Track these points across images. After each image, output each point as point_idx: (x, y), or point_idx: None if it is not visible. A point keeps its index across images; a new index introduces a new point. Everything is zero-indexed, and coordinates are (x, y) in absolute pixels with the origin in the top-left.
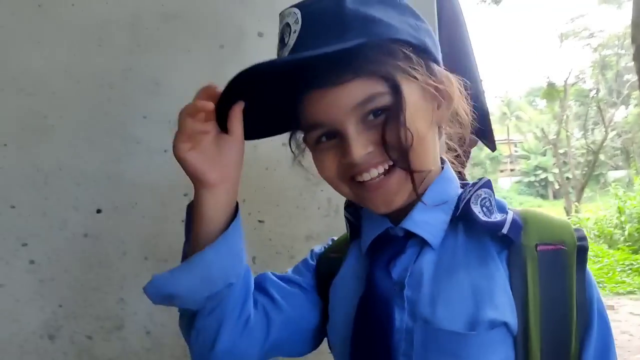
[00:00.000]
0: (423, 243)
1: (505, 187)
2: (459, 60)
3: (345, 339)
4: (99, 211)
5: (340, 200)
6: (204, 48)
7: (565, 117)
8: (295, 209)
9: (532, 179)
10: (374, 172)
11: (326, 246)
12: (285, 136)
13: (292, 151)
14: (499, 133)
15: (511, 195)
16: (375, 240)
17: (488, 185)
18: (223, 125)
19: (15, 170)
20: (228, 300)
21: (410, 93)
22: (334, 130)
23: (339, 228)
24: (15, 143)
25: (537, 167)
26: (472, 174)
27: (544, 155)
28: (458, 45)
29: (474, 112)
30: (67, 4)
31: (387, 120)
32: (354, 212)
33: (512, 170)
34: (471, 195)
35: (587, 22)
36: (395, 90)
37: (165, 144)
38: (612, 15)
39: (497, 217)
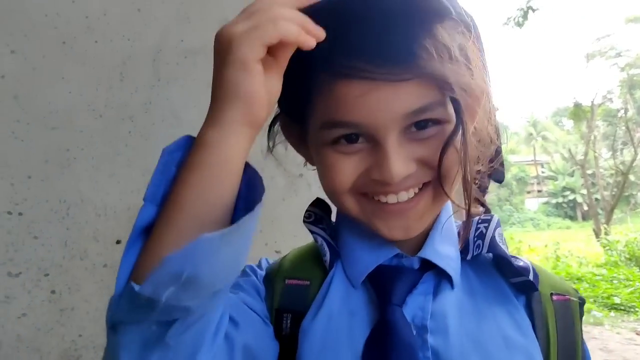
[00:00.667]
0: (440, 279)
1: (532, 208)
2: None
3: None
4: (118, 242)
5: None
6: None
7: (592, 137)
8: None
9: (560, 200)
10: (404, 196)
11: (274, 266)
12: (301, 169)
13: (268, 141)
14: (525, 154)
15: (539, 217)
16: (378, 270)
17: (499, 224)
18: None
19: (39, 202)
20: (215, 309)
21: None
22: (368, 135)
23: None
24: (39, 175)
25: (565, 188)
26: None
27: (572, 176)
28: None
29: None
30: (90, 41)
31: (450, 137)
32: (327, 229)
33: (539, 191)
34: (494, 233)
35: (613, 41)
36: (458, 104)
37: None
38: (639, 34)
39: (519, 261)
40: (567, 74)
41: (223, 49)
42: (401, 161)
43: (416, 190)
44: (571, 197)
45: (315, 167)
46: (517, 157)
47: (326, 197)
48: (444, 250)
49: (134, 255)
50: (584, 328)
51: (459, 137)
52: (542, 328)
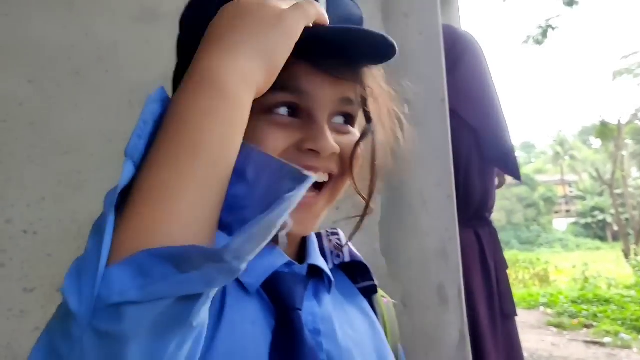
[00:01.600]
0: (319, 285)
1: (561, 228)
2: (481, 97)
3: None
4: None
5: (355, 247)
6: None
7: (620, 156)
8: None
9: (589, 220)
10: (322, 177)
11: None
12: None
13: None
14: (552, 173)
15: (568, 238)
16: (272, 277)
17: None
18: None
19: (53, 221)
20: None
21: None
22: (305, 108)
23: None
24: (53, 197)
25: (594, 208)
26: (525, 215)
27: (601, 196)
28: (480, 82)
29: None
30: (101, 70)
31: (364, 134)
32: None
33: (567, 211)
34: (347, 243)
35: None
36: (370, 120)
37: None
38: None
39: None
40: (593, 91)
41: (267, 18)
42: (331, 138)
43: (326, 178)
44: (600, 217)
45: None
46: (544, 176)
47: None
48: (319, 258)
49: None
50: (611, 351)
51: (369, 142)
52: (382, 323)
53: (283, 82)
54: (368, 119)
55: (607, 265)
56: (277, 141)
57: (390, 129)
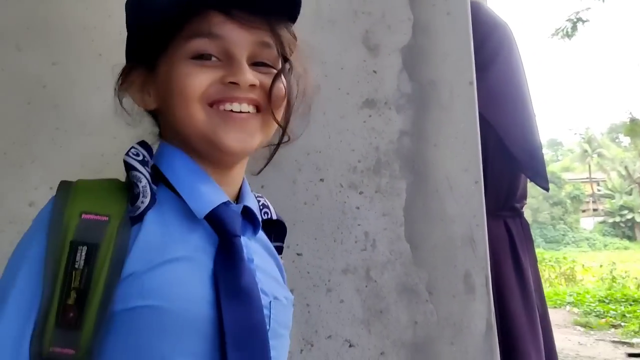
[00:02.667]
0: (247, 227)
1: (588, 227)
2: (513, 95)
3: (195, 321)
4: None
5: (378, 234)
6: None
7: None
8: (332, 243)
9: (618, 219)
10: (245, 107)
11: (62, 199)
12: (323, 173)
13: (123, 75)
14: (580, 172)
15: (595, 237)
16: (217, 209)
17: None
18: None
19: None
20: None
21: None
22: (225, 52)
23: (376, 261)
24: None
25: (622, 207)
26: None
27: (630, 195)
28: (512, 80)
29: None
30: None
31: (279, 74)
32: (150, 172)
33: (594, 210)
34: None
35: None
36: (286, 54)
37: None
38: None
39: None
40: (623, 88)
41: None
42: (250, 72)
43: (252, 110)
44: (629, 216)
45: (152, 108)
46: (571, 174)
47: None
48: (253, 203)
49: None
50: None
51: (286, 76)
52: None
53: (201, 30)
54: (285, 59)
55: (635, 265)
56: (202, 78)
57: (305, 70)
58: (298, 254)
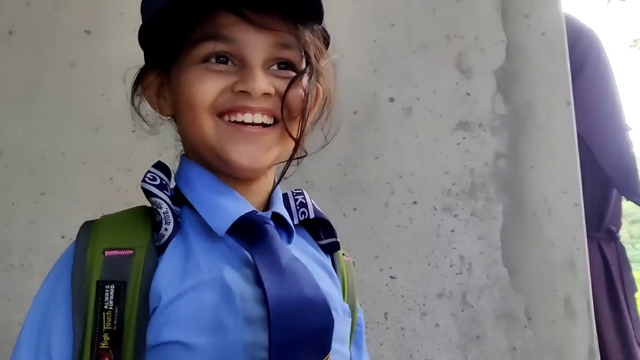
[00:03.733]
0: (281, 234)
1: None
2: (603, 107)
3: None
4: None
5: (474, 258)
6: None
7: None
8: (427, 266)
9: None
10: (259, 118)
11: (85, 237)
12: (416, 196)
13: (136, 86)
14: None
15: None
16: (241, 220)
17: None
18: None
19: None
20: None
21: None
22: (237, 55)
23: (473, 286)
24: None
25: None
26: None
27: None
28: (601, 91)
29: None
30: None
31: (295, 79)
32: (170, 196)
33: None
34: (312, 202)
35: None
36: (310, 57)
37: None
38: None
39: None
40: None
41: None
42: (264, 80)
43: (267, 121)
44: None
45: (169, 118)
46: None
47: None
48: (284, 210)
49: None
50: None
51: (305, 82)
52: (341, 279)
53: (212, 33)
54: (307, 62)
55: None
56: (211, 85)
57: (327, 76)
58: (392, 277)
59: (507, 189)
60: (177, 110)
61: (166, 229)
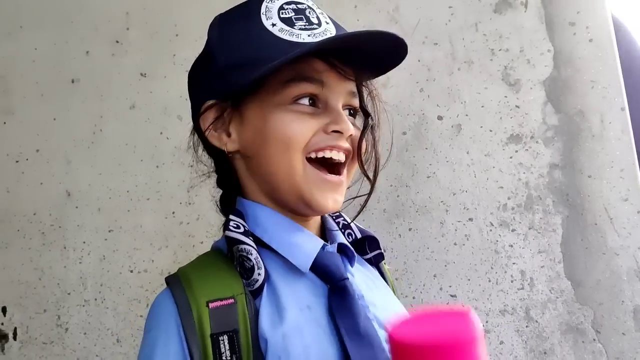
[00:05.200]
0: (345, 261)
1: None
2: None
3: None
4: None
5: (535, 272)
6: (389, 137)
7: None
8: (487, 283)
9: None
10: (342, 156)
11: (180, 292)
12: (471, 212)
13: (201, 123)
14: None
15: None
16: (317, 260)
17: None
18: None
19: None
20: None
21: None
22: (323, 99)
23: (536, 301)
24: None
25: None
26: None
27: None
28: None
29: None
30: None
31: (368, 125)
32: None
33: None
34: (354, 222)
35: None
36: (369, 115)
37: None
38: None
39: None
40: None
41: None
42: (349, 122)
43: (344, 156)
44: None
45: (232, 152)
46: None
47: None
48: (342, 237)
49: None
50: None
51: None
52: (391, 288)
53: (307, 75)
54: (366, 112)
55: None
56: (307, 126)
57: (383, 123)
58: (452, 296)
59: (565, 200)
60: (258, 147)
61: (259, 274)
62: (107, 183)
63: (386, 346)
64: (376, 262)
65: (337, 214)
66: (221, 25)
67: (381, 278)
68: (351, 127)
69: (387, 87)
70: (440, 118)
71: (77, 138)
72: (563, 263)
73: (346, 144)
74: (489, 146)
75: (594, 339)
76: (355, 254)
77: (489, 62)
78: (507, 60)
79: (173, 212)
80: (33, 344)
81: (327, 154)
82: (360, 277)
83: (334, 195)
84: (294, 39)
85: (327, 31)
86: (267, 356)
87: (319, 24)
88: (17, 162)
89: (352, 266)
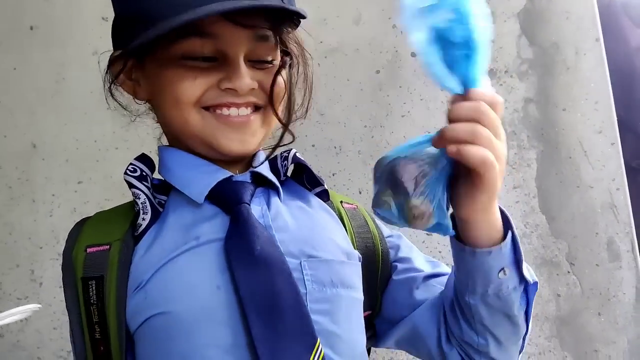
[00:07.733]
0: (269, 194)
1: None
2: None
3: (212, 309)
4: None
5: (510, 208)
6: (362, 76)
7: None
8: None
9: None
10: (244, 111)
11: (73, 236)
12: None
13: (110, 73)
14: None
15: None
16: (218, 186)
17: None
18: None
19: None
20: None
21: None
22: (220, 51)
23: None
24: None
25: None
26: None
27: None
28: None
29: None
30: None
31: (279, 71)
32: (150, 187)
33: None
34: (294, 154)
35: None
36: (288, 53)
37: (333, 168)
38: None
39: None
40: None
41: None
42: (248, 76)
43: (250, 110)
44: None
45: (143, 102)
46: None
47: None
48: (263, 169)
49: None
50: None
51: (285, 72)
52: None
53: (195, 29)
54: (286, 53)
55: None
56: (196, 84)
57: (306, 63)
58: (427, 234)
59: (540, 134)
60: (157, 99)
61: (143, 219)
62: (74, 133)
63: (295, 272)
64: (323, 200)
65: (288, 150)
66: None
67: (327, 209)
68: (247, 82)
69: (359, 24)
70: (414, 55)
71: (40, 88)
72: (538, 197)
73: (247, 99)
74: None
75: (569, 271)
76: (306, 189)
77: None
78: None
79: None
80: (8, 300)
81: (225, 112)
82: (289, 207)
83: (239, 136)
84: None
85: None
86: (131, 301)
87: None
88: None
89: (279, 196)
